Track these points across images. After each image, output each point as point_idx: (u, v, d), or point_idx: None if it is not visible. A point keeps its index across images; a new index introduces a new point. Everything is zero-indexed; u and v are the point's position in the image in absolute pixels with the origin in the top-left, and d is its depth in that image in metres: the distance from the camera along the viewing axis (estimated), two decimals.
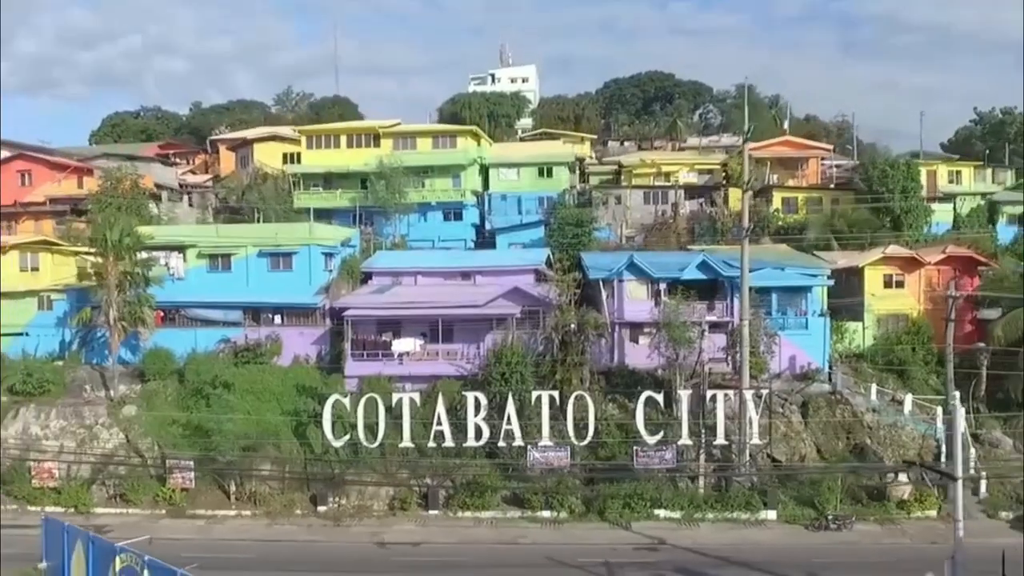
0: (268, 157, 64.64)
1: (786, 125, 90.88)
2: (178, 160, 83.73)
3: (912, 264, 45.52)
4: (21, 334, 45.13)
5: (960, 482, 21.57)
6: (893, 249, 45.68)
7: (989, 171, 68.40)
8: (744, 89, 44.96)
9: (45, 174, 60.15)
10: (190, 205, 63.16)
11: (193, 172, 78.30)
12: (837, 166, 72.60)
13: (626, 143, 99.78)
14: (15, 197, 59.00)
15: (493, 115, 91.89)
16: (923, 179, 59.79)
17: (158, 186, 61.30)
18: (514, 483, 38.54)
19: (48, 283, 46.40)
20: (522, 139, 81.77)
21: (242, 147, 69.15)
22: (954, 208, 59.76)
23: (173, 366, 42.90)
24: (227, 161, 73.79)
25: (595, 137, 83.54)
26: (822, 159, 65.81)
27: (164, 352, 43.17)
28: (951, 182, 62.14)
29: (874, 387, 41.38)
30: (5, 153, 61.75)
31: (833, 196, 59.27)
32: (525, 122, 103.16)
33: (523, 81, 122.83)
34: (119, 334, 41.99)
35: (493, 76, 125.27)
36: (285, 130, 71.53)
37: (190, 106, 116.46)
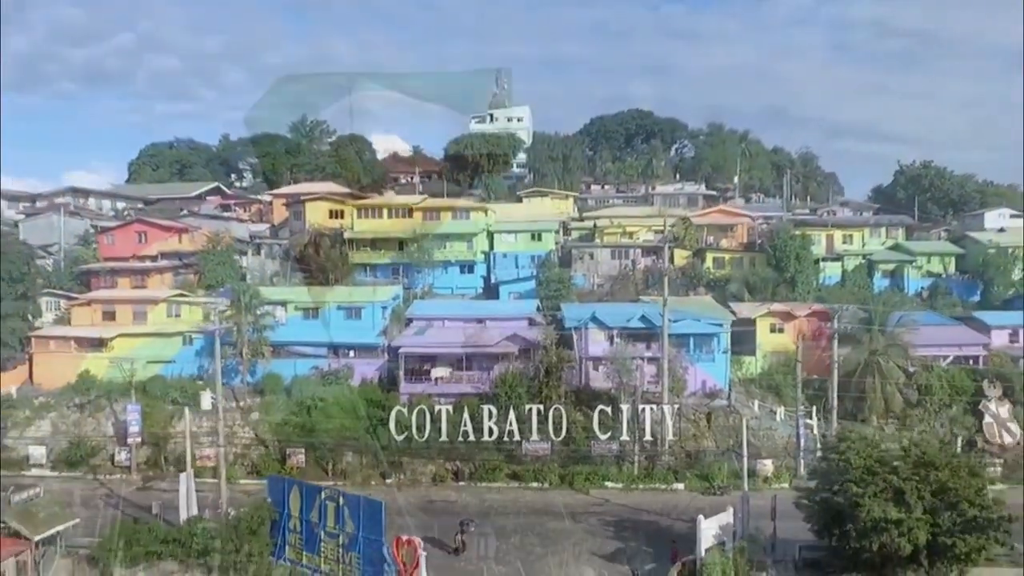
0: (317, 213, 79.83)
1: (735, 180, 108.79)
2: (237, 208, 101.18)
3: (789, 316, 62.45)
4: (170, 362, 60.09)
5: (745, 456, 40.25)
6: (776, 306, 63.04)
7: (884, 229, 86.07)
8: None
9: (157, 234, 76.28)
10: (263, 257, 79.73)
11: (251, 221, 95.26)
12: (767, 219, 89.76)
13: (606, 186, 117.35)
14: (134, 251, 75.38)
15: (492, 154, 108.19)
16: (823, 242, 78.27)
17: (236, 240, 78.51)
18: (514, 465, 52.73)
19: (187, 326, 61.71)
20: (518, 193, 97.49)
21: (295, 204, 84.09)
22: (842, 266, 76.42)
23: (282, 385, 57.63)
24: (279, 211, 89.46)
25: (577, 194, 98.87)
26: (750, 227, 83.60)
27: (275, 376, 58.24)
28: (844, 243, 78.84)
29: (757, 402, 58.49)
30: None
31: (752, 257, 75.17)
32: (521, 157, 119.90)
33: (518, 120, 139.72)
34: (246, 363, 58.98)
35: (492, 116, 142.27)
36: (324, 186, 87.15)
37: (219, 138, 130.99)
